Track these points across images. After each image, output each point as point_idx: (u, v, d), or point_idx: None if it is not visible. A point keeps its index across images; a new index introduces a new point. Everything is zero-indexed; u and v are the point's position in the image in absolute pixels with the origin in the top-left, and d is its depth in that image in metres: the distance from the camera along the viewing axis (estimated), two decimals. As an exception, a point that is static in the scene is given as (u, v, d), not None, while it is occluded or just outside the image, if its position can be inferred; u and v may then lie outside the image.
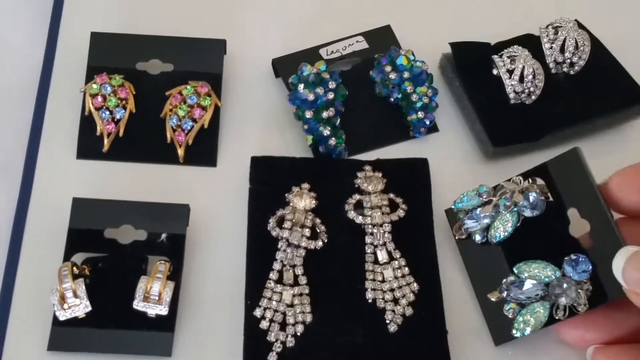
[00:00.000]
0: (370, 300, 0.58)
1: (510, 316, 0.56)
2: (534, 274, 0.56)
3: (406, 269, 0.60)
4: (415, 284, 0.59)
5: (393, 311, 0.58)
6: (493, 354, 0.58)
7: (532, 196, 0.58)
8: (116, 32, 0.69)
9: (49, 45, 0.71)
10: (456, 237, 0.62)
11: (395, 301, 0.59)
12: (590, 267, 0.54)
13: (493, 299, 0.58)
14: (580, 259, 0.55)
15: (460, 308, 0.60)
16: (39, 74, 0.70)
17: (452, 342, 0.57)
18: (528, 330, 0.55)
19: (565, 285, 0.54)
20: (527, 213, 0.58)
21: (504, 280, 0.57)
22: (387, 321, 0.58)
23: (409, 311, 0.58)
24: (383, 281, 0.59)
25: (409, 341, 0.57)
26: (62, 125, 0.67)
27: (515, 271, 0.56)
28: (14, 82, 0.70)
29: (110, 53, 0.68)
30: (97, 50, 0.68)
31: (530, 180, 0.59)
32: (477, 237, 0.60)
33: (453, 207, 0.61)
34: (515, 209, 0.59)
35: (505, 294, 0.56)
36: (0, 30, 0.73)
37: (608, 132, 0.69)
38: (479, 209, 0.60)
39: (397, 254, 0.60)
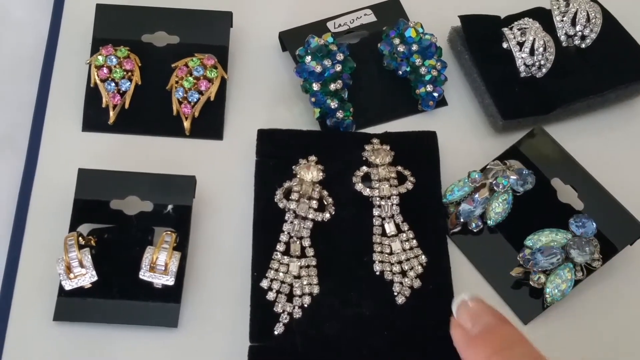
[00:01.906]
0: (377, 273, 0.58)
1: (537, 286, 0.57)
2: (549, 240, 0.57)
3: (414, 241, 0.59)
4: (423, 256, 0.59)
5: (401, 283, 0.57)
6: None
7: (523, 171, 0.59)
8: (122, 4, 0.69)
9: (54, 17, 0.70)
10: (451, 232, 0.61)
11: (403, 273, 0.58)
12: (594, 224, 0.57)
13: (516, 274, 0.58)
14: (584, 218, 0.57)
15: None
16: (44, 47, 0.69)
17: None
18: (560, 295, 0.56)
19: (583, 243, 0.56)
20: (520, 188, 0.59)
21: (520, 255, 0.58)
22: (395, 293, 0.57)
23: (417, 283, 0.58)
24: (391, 253, 0.59)
25: (417, 313, 0.57)
26: (67, 97, 0.66)
27: (529, 243, 0.58)
28: (19, 55, 0.70)
29: (115, 25, 0.68)
30: (102, 22, 0.68)
31: (508, 162, 0.61)
32: (474, 225, 0.60)
33: (444, 200, 0.61)
34: (510, 189, 0.60)
35: (530, 264, 0.57)
36: (6, 3, 0.72)
37: (619, 106, 0.68)
38: (476, 195, 0.60)
39: (405, 227, 0.60)
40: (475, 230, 0.61)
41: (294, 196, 0.59)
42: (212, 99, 0.65)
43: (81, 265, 0.56)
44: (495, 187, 0.60)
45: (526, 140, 0.63)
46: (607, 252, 0.58)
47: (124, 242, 0.58)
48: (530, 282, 0.58)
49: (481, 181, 0.60)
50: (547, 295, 0.57)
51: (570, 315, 0.59)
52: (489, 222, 0.60)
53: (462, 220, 0.61)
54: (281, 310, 0.56)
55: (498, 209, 0.60)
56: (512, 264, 0.59)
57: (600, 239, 0.58)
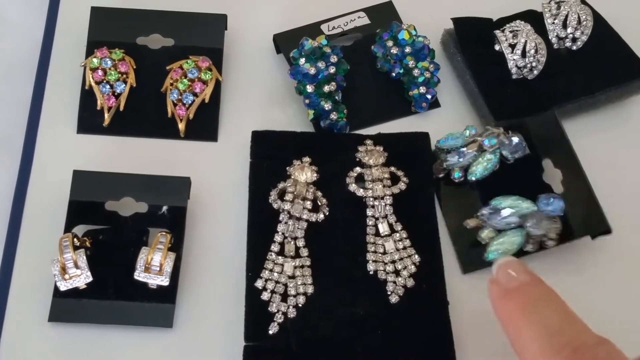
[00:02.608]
0: (371, 272, 0.58)
1: (484, 242, 0.59)
2: (512, 204, 0.58)
3: (407, 241, 0.60)
4: (416, 256, 0.59)
5: (394, 282, 0.58)
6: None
7: (517, 138, 0.61)
8: (117, 6, 0.69)
9: (49, 20, 0.71)
10: (435, 176, 0.63)
11: (397, 273, 0.58)
12: (563, 204, 0.58)
13: (471, 225, 0.60)
14: (554, 197, 0.58)
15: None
16: (39, 49, 0.69)
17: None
18: (499, 254, 0.58)
19: (540, 217, 0.58)
20: (508, 155, 0.61)
21: (482, 210, 0.59)
22: (389, 292, 0.57)
23: (410, 282, 0.58)
24: (384, 253, 0.59)
25: (410, 312, 0.57)
26: (62, 99, 0.67)
27: (493, 203, 0.59)
28: (14, 57, 0.70)
29: (110, 28, 0.68)
30: (97, 24, 0.68)
31: (510, 132, 0.62)
32: (456, 175, 0.62)
33: (437, 144, 0.63)
34: (497, 150, 0.61)
35: (484, 218, 0.59)
36: (0, 5, 0.72)
37: (610, 107, 0.68)
38: (464, 148, 0.61)
39: (398, 226, 0.60)
40: (455, 181, 0.62)
41: (288, 197, 0.59)
42: (206, 101, 0.66)
43: (76, 266, 0.56)
44: (484, 146, 0.61)
45: (537, 118, 0.64)
46: (566, 236, 0.59)
47: (119, 243, 0.58)
48: (477, 237, 0.59)
49: (474, 137, 0.61)
50: (488, 251, 0.59)
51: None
52: (470, 176, 0.62)
53: (445, 166, 0.62)
54: (276, 310, 0.56)
55: (480, 166, 0.61)
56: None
57: (565, 224, 0.59)
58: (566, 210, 0.59)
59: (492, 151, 0.61)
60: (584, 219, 0.60)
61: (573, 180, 0.62)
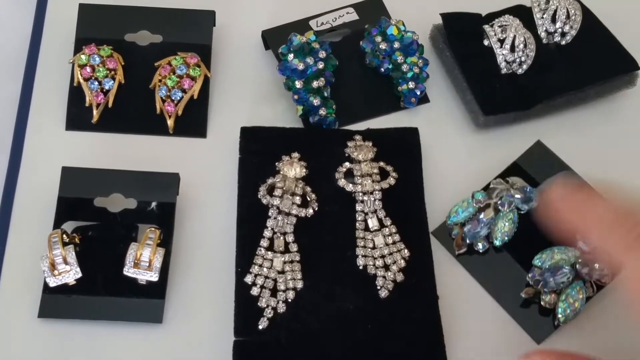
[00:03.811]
0: (361, 267, 0.58)
1: (549, 306, 0.57)
2: (557, 260, 0.57)
3: (397, 235, 0.60)
4: (406, 251, 0.59)
5: (384, 277, 0.58)
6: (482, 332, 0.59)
7: (526, 189, 0.59)
8: (105, 3, 0.69)
9: (37, 16, 0.70)
10: (457, 253, 0.60)
11: (386, 267, 0.58)
12: None
13: (527, 295, 0.58)
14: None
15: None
16: (27, 46, 0.69)
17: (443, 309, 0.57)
18: (573, 315, 0.56)
19: (591, 261, 0.56)
20: (524, 206, 0.59)
21: (530, 275, 0.57)
22: (378, 287, 0.58)
23: (399, 277, 0.58)
24: (374, 248, 0.59)
25: (400, 307, 0.57)
26: (51, 97, 0.67)
27: (538, 263, 0.57)
28: (2, 54, 0.70)
29: (98, 24, 0.68)
30: (85, 21, 0.68)
31: (509, 181, 0.61)
32: (480, 246, 0.60)
33: (448, 222, 0.60)
34: (514, 206, 0.59)
35: (540, 285, 0.57)
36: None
37: (599, 101, 0.69)
38: (481, 215, 0.59)
39: (387, 221, 0.60)
40: (481, 251, 0.60)
41: (277, 192, 0.59)
42: (195, 97, 0.66)
43: (65, 262, 0.56)
44: (500, 207, 0.59)
45: (526, 156, 0.64)
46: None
47: (108, 239, 0.58)
48: (542, 303, 0.57)
49: (485, 201, 0.59)
50: (559, 316, 0.56)
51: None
52: (495, 242, 0.59)
53: (467, 241, 0.60)
54: (265, 305, 0.56)
55: (505, 229, 0.59)
56: (520, 283, 0.59)
57: None
58: None
59: (511, 209, 0.59)
60: None
61: None
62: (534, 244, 0.58)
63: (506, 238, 0.59)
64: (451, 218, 0.60)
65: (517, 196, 0.59)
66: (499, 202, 0.59)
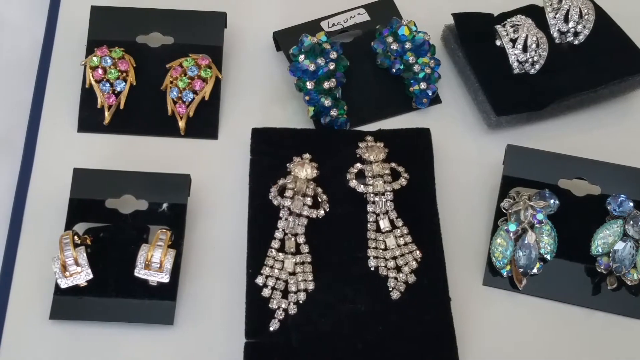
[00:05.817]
0: (372, 268, 0.58)
1: (635, 283, 0.58)
2: (611, 241, 0.58)
3: (408, 237, 0.59)
4: (417, 252, 0.59)
5: (395, 279, 0.58)
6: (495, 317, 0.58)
7: (541, 193, 0.59)
8: (116, 5, 0.69)
9: (49, 19, 0.71)
10: (521, 287, 0.59)
11: (398, 269, 0.58)
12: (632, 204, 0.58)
13: (612, 286, 0.59)
14: (615, 199, 0.59)
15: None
16: (40, 49, 0.70)
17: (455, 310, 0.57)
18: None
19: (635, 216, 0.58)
20: (553, 208, 0.59)
21: (602, 266, 0.58)
22: (390, 289, 0.57)
23: (411, 278, 0.58)
24: (385, 249, 0.59)
25: (412, 308, 0.57)
26: (63, 99, 0.67)
27: (599, 251, 0.58)
28: (15, 56, 0.70)
29: (110, 26, 0.68)
30: (97, 24, 0.68)
31: (516, 197, 0.60)
32: (535, 270, 0.59)
33: (497, 265, 0.59)
34: (546, 217, 0.59)
35: (618, 268, 0.58)
36: (0, 6, 0.73)
37: (612, 101, 0.68)
38: (526, 240, 0.58)
39: (399, 222, 0.60)
40: (538, 273, 0.59)
41: (289, 193, 0.59)
42: (206, 98, 0.66)
43: (76, 263, 0.56)
44: (537, 224, 0.58)
45: (510, 164, 0.62)
46: None
47: (119, 240, 0.58)
48: (628, 282, 0.58)
49: (521, 228, 0.58)
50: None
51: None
52: (547, 257, 0.59)
53: (528, 271, 0.59)
54: (276, 307, 0.56)
55: (550, 241, 0.59)
56: (590, 277, 0.59)
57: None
58: None
59: (546, 222, 0.59)
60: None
61: (597, 173, 0.62)
62: (578, 235, 0.59)
63: (555, 248, 0.59)
64: (499, 261, 0.59)
65: (541, 204, 0.58)
66: (531, 219, 0.58)
